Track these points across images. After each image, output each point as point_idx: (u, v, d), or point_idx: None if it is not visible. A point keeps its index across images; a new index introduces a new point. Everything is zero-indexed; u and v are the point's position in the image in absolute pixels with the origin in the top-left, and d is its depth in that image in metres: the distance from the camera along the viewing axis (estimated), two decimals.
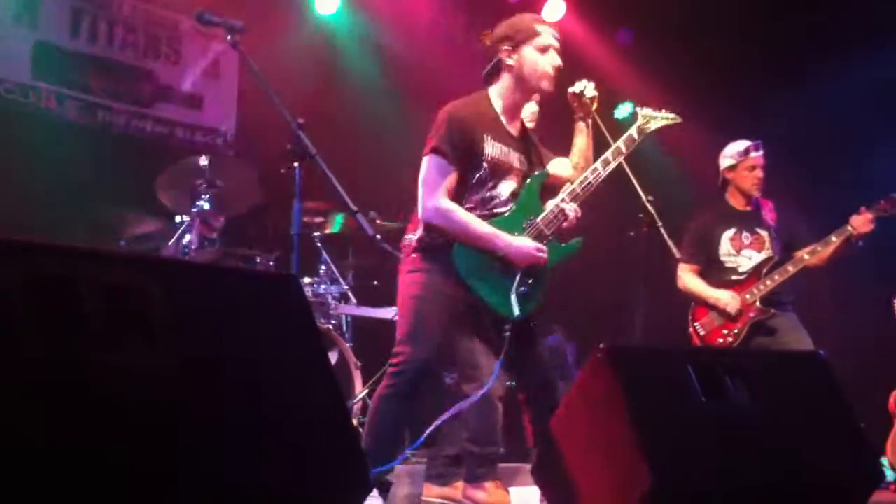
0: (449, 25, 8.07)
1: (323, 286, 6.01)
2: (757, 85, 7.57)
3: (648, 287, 4.15)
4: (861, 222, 5.13)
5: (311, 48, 7.18)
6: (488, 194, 3.80)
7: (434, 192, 3.69)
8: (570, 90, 4.09)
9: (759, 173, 5.41)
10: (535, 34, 3.85)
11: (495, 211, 3.81)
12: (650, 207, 4.04)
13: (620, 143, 3.97)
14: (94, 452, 1.64)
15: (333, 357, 5.57)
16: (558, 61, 3.89)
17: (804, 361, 3.13)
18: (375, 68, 7.47)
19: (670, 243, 4.04)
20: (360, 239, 6.22)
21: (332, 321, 5.94)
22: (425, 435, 3.70)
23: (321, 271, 6.09)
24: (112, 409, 1.70)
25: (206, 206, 5.36)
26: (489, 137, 3.80)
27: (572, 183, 3.92)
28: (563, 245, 3.92)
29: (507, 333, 3.63)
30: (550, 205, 3.87)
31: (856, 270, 6.92)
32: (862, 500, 2.94)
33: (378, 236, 6.02)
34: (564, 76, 3.98)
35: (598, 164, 3.93)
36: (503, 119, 3.92)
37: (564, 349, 7.40)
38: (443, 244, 3.69)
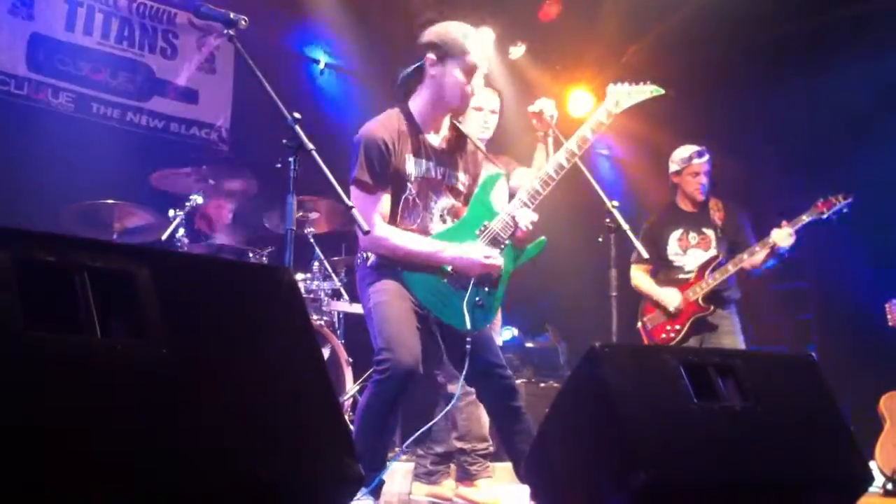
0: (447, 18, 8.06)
1: (316, 282, 6.01)
2: (738, 90, 7.60)
3: (620, 290, 4.16)
4: (781, 237, 5.34)
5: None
6: (420, 214, 3.72)
7: (367, 223, 3.58)
8: (530, 109, 4.03)
9: (702, 179, 5.63)
10: (464, 53, 3.69)
11: (430, 228, 3.73)
12: (615, 212, 4.04)
13: (586, 131, 3.84)
14: (83, 438, 1.64)
15: (325, 353, 5.57)
16: (475, 91, 3.76)
17: (795, 363, 3.14)
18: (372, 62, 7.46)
19: (638, 245, 4.05)
20: (353, 235, 6.22)
21: (325, 318, 5.94)
22: (419, 433, 3.70)
23: (314, 267, 6.08)
24: (101, 396, 1.69)
25: (200, 200, 5.35)
26: (411, 156, 3.70)
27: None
28: (522, 249, 3.83)
29: (468, 346, 3.56)
30: (509, 208, 3.75)
31: (852, 273, 6.96)
32: (852, 500, 2.95)
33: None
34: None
35: (561, 156, 3.80)
36: (425, 133, 3.78)
37: (557, 349, 7.43)
38: (393, 266, 3.66)
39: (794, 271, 6.26)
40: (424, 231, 3.73)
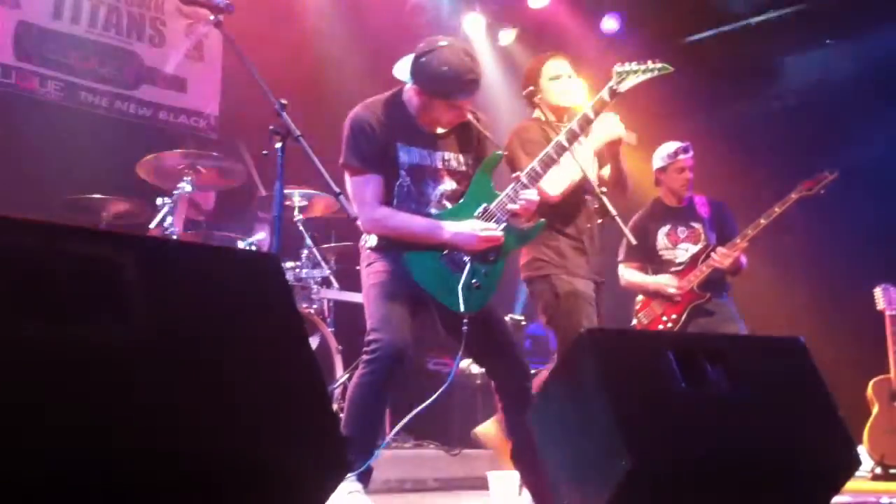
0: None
1: (305, 270, 6.00)
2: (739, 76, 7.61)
3: (607, 276, 4.17)
4: (722, 256, 5.35)
5: (299, 30, 7.16)
6: (416, 201, 3.70)
7: (363, 206, 3.60)
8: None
9: (687, 175, 5.62)
10: (446, 97, 3.65)
11: (431, 214, 3.70)
12: (604, 199, 4.04)
13: (587, 110, 3.85)
14: (67, 425, 1.63)
15: (315, 341, 5.56)
16: (461, 117, 3.74)
17: (784, 348, 3.14)
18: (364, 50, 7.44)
19: (627, 231, 4.04)
20: (342, 223, 6.21)
21: (314, 305, 5.93)
22: (405, 420, 3.68)
23: (303, 255, 6.07)
24: (83, 383, 1.69)
25: (188, 188, 5.34)
26: (401, 144, 3.67)
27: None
28: (522, 229, 3.82)
29: (465, 328, 3.51)
30: (508, 188, 3.72)
31: (840, 260, 6.98)
32: (839, 484, 2.96)
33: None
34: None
35: (562, 137, 3.81)
36: (418, 120, 3.73)
37: (547, 337, 7.43)
38: (394, 247, 3.64)
39: (783, 256, 6.27)
40: (421, 216, 3.70)
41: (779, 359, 3.07)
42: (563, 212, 4.23)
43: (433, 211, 3.72)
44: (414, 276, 3.62)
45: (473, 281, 3.60)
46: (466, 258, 3.62)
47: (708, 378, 2.79)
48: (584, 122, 3.85)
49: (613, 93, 3.87)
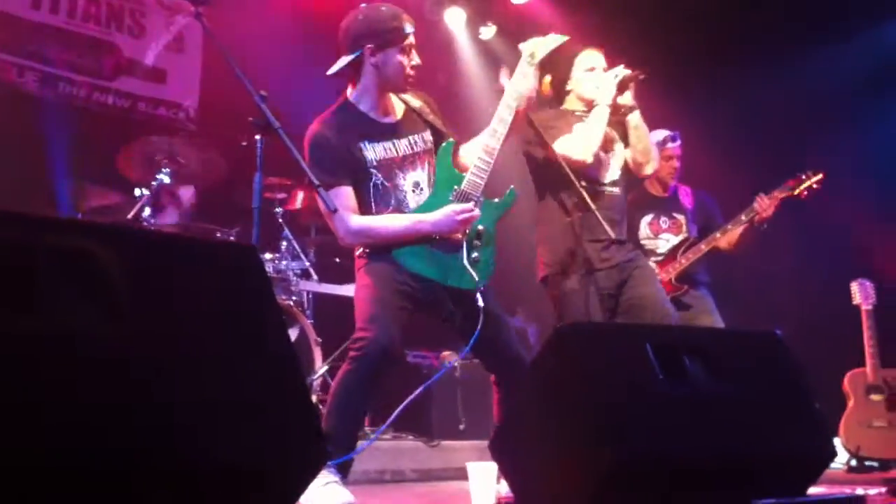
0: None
1: (284, 262, 5.99)
2: (713, 69, 7.63)
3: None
4: (765, 205, 5.36)
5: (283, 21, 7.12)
6: (392, 195, 3.73)
7: (339, 220, 3.60)
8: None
9: (675, 163, 5.67)
10: (402, 37, 3.73)
11: (408, 207, 3.73)
12: (583, 192, 4.06)
13: (514, 83, 3.88)
14: (46, 417, 1.63)
15: (294, 333, 5.56)
16: (418, 59, 3.79)
17: (762, 340, 3.16)
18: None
19: (606, 227, 4.06)
20: (322, 216, 6.19)
21: (294, 297, 5.92)
22: (393, 417, 3.70)
23: (283, 247, 6.07)
24: (65, 375, 1.68)
25: (167, 180, 5.32)
26: (366, 143, 3.73)
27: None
28: (497, 200, 3.85)
29: (480, 304, 3.58)
30: (472, 167, 3.76)
31: (816, 254, 7.03)
32: (815, 475, 2.99)
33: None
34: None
35: (502, 110, 3.83)
36: (373, 115, 3.81)
37: (526, 331, 7.44)
38: (384, 252, 3.67)
39: (762, 252, 6.29)
40: (399, 210, 3.73)
41: (757, 352, 3.09)
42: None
43: (411, 205, 3.75)
44: (413, 270, 3.65)
45: (474, 255, 3.69)
46: (459, 237, 3.68)
47: (687, 371, 2.81)
48: (514, 96, 3.86)
49: (531, 66, 3.93)
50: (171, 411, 1.81)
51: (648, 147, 4.52)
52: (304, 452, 2.00)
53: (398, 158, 3.77)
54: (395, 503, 4.21)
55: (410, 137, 3.84)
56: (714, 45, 7.49)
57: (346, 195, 3.66)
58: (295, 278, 6.00)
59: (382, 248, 3.68)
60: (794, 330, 3.50)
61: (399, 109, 3.90)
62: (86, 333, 1.76)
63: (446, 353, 7.00)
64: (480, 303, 3.60)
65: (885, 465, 5.90)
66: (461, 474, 4.50)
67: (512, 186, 3.91)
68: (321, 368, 5.49)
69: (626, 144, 4.55)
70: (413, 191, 3.77)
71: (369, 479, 4.85)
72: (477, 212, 3.71)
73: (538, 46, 3.96)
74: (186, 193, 5.96)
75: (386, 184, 3.72)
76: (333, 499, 3.34)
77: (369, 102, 3.81)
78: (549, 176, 4.34)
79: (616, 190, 4.51)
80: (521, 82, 3.88)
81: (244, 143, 3.53)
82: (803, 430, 2.97)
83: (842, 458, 5.93)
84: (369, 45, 3.72)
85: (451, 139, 3.89)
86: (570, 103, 4.60)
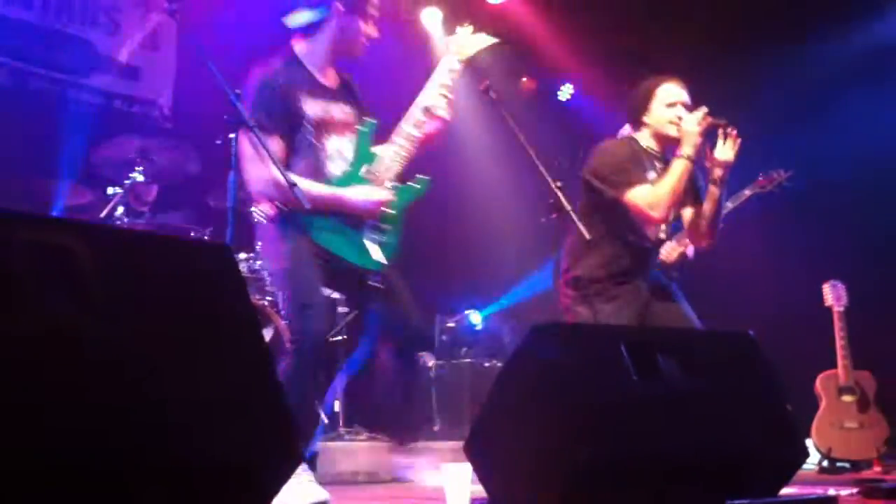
0: None
1: (259, 262, 5.96)
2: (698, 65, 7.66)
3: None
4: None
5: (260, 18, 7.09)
6: (316, 156, 3.70)
7: (262, 164, 3.53)
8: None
9: None
10: (370, 4, 3.75)
11: (327, 171, 3.70)
12: (559, 193, 4.04)
13: (439, 77, 3.86)
14: (17, 414, 1.61)
15: (268, 334, 5.53)
16: (376, 32, 3.80)
17: (735, 341, 3.18)
18: None
19: (581, 227, 4.04)
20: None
21: (268, 298, 5.89)
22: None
23: (258, 247, 6.03)
24: (36, 372, 1.66)
25: (140, 178, 5.29)
26: (306, 96, 3.69)
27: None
28: (408, 186, 3.83)
29: (376, 285, 3.59)
30: (387, 150, 3.76)
31: (788, 256, 7.07)
32: (787, 476, 3.01)
33: None
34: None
35: (424, 99, 3.81)
36: (317, 75, 3.79)
37: (501, 330, 7.45)
38: (292, 216, 3.59)
39: (734, 251, 6.32)
40: (318, 171, 3.69)
41: (729, 352, 3.11)
42: None
43: (331, 169, 3.71)
44: (323, 244, 3.60)
45: (376, 236, 3.67)
46: (366, 218, 3.66)
47: (659, 370, 2.82)
48: (432, 91, 3.83)
49: (458, 61, 3.89)
50: (144, 409, 1.80)
51: (715, 227, 4.27)
52: (279, 450, 2.00)
53: (331, 121, 3.74)
54: None
55: (343, 106, 3.82)
56: (693, 38, 7.53)
57: (279, 145, 3.60)
58: (269, 278, 5.97)
59: (291, 216, 3.59)
60: (766, 331, 3.51)
61: (335, 77, 3.88)
62: (60, 332, 1.74)
63: (422, 353, 7.01)
64: (380, 284, 3.60)
65: (857, 466, 5.95)
66: (436, 476, 4.50)
67: (426, 178, 3.86)
68: None
69: (688, 203, 4.32)
70: (336, 157, 3.74)
71: (343, 480, 4.84)
72: (390, 196, 3.71)
73: (467, 43, 3.94)
74: (149, 191, 5.91)
75: (314, 142, 3.69)
76: (309, 496, 3.33)
77: (316, 62, 3.79)
78: (606, 210, 4.21)
79: (657, 247, 4.35)
80: (445, 76, 3.85)
81: (219, 142, 3.50)
82: (775, 431, 2.99)
83: (814, 459, 5.98)
84: (338, 5, 3.72)
85: (371, 121, 3.86)
86: (644, 139, 4.29)
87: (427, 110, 3.79)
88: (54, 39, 6.62)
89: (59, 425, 1.66)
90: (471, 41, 3.96)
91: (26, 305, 1.70)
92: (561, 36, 8.08)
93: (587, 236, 4.04)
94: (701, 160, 4.13)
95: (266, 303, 5.75)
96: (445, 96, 3.82)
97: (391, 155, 3.75)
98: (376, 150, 3.80)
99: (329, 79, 3.84)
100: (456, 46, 3.93)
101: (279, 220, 3.61)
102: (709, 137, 4.11)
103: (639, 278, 4.19)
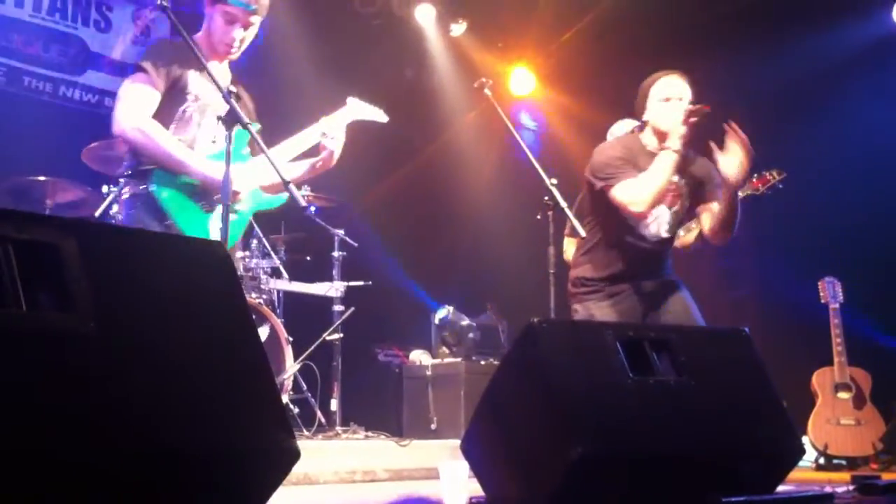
0: None
1: (255, 260, 5.95)
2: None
3: (558, 267, 4.15)
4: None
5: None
6: (192, 132, 3.68)
7: (135, 108, 3.52)
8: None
9: None
10: (230, 4, 3.70)
11: (199, 147, 3.69)
12: (554, 190, 4.03)
13: (330, 129, 3.93)
14: (6, 412, 1.59)
15: (264, 332, 5.51)
16: (239, 38, 3.76)
17: (730, 338, 3.17)
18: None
19: (576, 224, 4.02)
20: (292, 213, 6.16)
21: (264, 296, 5.88)
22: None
23: (253, 245, 6.02)
24: (26, 370, 1.65)
25: None
26: (195, 73, 3.67)
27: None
28: (266, 196, 3.87)
29: None
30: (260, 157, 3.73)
31: (783, 253, 7.06)
32: (783, 473, 3.00)
33: (312, 209, 6.02)
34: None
35: (309, 137, 3.91)
36: (212, 58, 3.76)
37: (497, 327, 7.44)
38: (145, 172, 3.58)
39: (728, 249, 6.33)
40: (189, 146, 3.66)
41: (724, 349, 3.11)
42: None
43: (202, 148, 3.70)
44: (165, 207, 3.57)
45: (220, 226, 3.50)
46: (216, 200, 3.61)
47: (654, 367, 2.82)
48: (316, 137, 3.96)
49: (344, 118, 4.01)
50: (137, 405, 1.78)
51: (728, 227, 4.20)
52: (272, 447, 1.98)
53: (212, 104, 3.70)
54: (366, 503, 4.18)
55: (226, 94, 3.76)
56: (678, 38, 7.52)
57: (151, 94, 3.58)
58: (265, 276, 5.96)
59: (146, 175, 3.58)
60: (763, 328, 3.51)
61: (228, 78, 3.86)
62: (50, 328, 1.73)
63: (416, 351, 7.00)
64: None
65: (853, 463, 5.95)
66: (433, 474, 4.49)
67: (285, 195, 3.73)
68: (292, 367, 5.45)
69: (694, 203, 4.29)
70: (212, 140, 3.72)
71: (340, 478, 4.82)
72: (246, 187, 3.72)
73: (358, 111, 4.05)
74: None
75: (194, 117, 3.68)
76: None
77: (205, 49, 3.75)
78: (603, 210, 4.18)
79: (658, 247, 4.24)
80: (336, 131, 3.92)
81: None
82: (771, 428, 2.98)
83: (810, 456, 5.98)
84: None
85: (258, 125, 3.78)
86: (646, 136, 4.20)
87: (324, 134, 3.87)
88: (46, 37, 6.61)
89: (48, 422, 1.65)
90: (362, 110, 4.07)
91: (13, 304, 1.69)
92: (552, 32, 8.08)
93: (582, 233, 4.04)
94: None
95: (262, 301, 5.74)
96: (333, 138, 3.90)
97: (259, 159, 3.73)
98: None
99: (219, 71, 3.79)
100: (351, 111, 4.03)
101: (136, 197, 3.66)
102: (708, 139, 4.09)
103: (639, 278, 4.17)
